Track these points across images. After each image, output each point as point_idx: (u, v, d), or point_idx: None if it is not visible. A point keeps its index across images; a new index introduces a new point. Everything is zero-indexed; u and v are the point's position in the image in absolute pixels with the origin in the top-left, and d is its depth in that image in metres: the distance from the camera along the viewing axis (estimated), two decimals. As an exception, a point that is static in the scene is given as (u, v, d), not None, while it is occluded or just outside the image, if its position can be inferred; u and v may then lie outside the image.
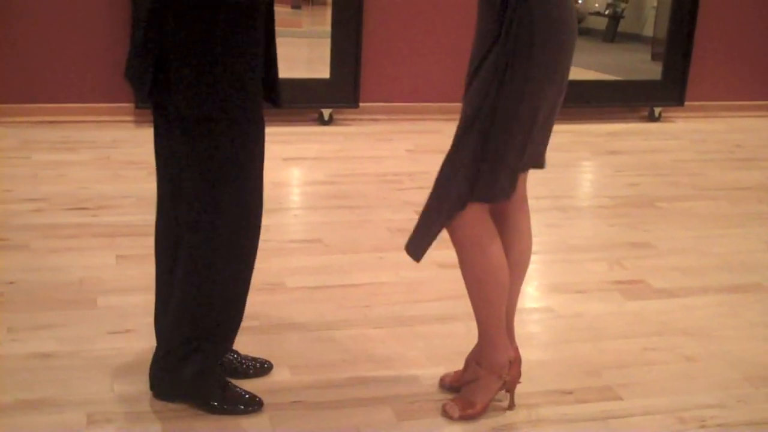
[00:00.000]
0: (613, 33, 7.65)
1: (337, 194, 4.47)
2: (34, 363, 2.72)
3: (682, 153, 5.63)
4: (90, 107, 5.54)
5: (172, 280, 2.47)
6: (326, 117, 5.78)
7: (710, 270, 3.71)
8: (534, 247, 2.62)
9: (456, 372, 2.67)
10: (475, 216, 2.37)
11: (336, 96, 5.77)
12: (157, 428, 2.44)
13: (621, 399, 2.69)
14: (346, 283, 3.40)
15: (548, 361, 2.90)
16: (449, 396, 2.61)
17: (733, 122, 6.47)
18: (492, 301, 2.46)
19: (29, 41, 5.39)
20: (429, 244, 2.44)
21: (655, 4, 6.98)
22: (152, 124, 2.41)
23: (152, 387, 2.54)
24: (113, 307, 3.10)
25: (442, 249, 2.54)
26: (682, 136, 6.05)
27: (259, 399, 2.53)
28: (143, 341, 2.81)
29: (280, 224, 4.00)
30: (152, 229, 2.54)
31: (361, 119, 5.88)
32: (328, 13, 5.81)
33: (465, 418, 2.52)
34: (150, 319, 2.62)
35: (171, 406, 2.51)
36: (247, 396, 2.53)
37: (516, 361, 2.54)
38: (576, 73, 2.40)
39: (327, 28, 5.77)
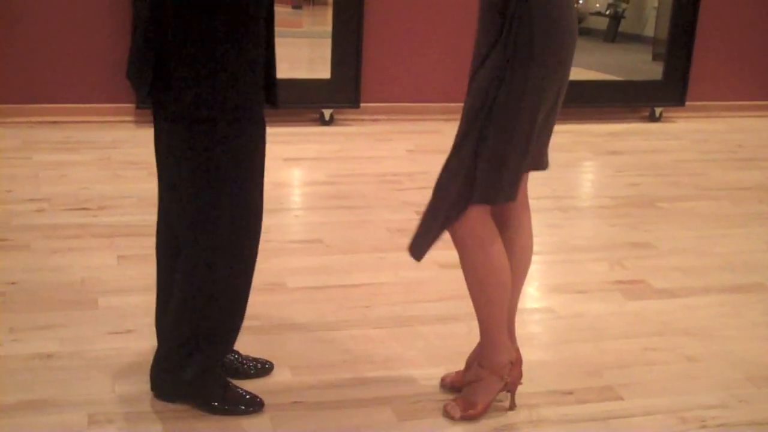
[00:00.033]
0: (614, 33, 7.65)
1: (338, 194, 4.47)
2: (35, 363, 2.72)
3: (683, 153, 5.62)
4: (91, 107, 5.54)
5: (172, 280, 2.47)
6: (327, 117, 5.78)
7: (711, 270, 3.71)
8: (535, 248, 2.62)
9: (457, 372, 2.67)
10: (477, 217, 2.37)
11: (337, 96, 5.77)
12: (158, 428, 2.44)
13: (622, 399, 2.69)
14: (346, 284, 3.40)
15: (549, 361, 2.90)
16: (450, 396, 2.61)
17: (734, 122, 6.47)
18: (494, 301, 2.46)
19: (30, 42, 5.40)
20: (431, 244, 2.44)
21: (656, 4, 6.98)
22: (153, 125, 2.41)
23: (153, 387, 2.54)
24: (114, 308, 3.10)
25: (443, 249, 2.54)
26: (683, 136, 6.05)
27: (260, 399, 2.53)
28: (144, 341, 2.81)
29: (280, 224, 4.00)
30: (153, 230, 2.54)
31: (361, 119, 5.88)
32: (329, 13, 5.81)
33: (466, 418, 2.51)
34: (151, 320, 2.62)
35: (172, 406, 2.51)
36: (247, 396, 2.53)
37: (517, 362, 2.54)
38: (577, 74, 2.40)
39: (328, 28, 5.77)
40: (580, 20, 6.24)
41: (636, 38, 7.47)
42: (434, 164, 2.41)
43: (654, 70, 6.48)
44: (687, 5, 6.17)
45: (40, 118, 5.46)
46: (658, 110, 6.38)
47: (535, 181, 2.59)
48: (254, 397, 2.53)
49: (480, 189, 2.32)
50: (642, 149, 5.64)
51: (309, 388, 2.66)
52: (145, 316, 2.91)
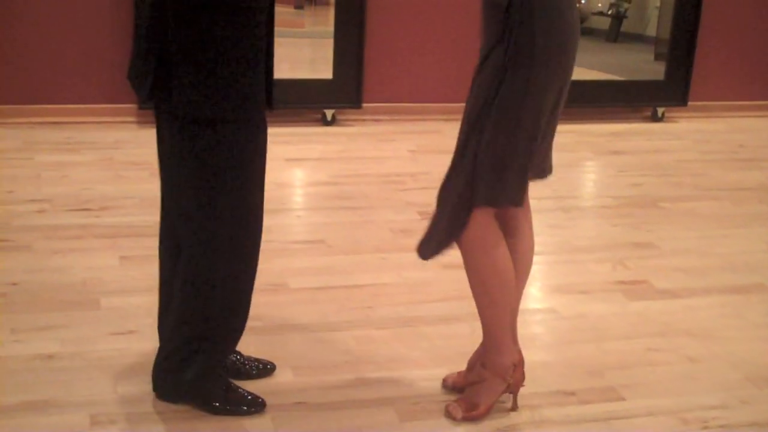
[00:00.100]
0: (616, 33, 7.64)
1: (340, 195, 4.47)
2: (36, 364, 2.72)
3: (685, 153, 5.62)
4: (92, 108, 5.53)
5: (174, 280, 2.47)
6: (329, 117, 5.78)
7: (713, 270, 3.70)
8: (537, 248, 2.62)
9: (459, 373, 2.67)
10: (481, 219, 2.37)
11: (339, 97, 5.76)
12: (160, 429, 2.44)
13: (624, 400, 2.69)
14: (349, 284, 3.40)
15: (551, 361, 2.90)
16: (452, 397, 2.61)
17: (736, 122, 6.46)
18: (497, 303, 2.46)
19: (31, 42, 5.39)
20: (439, 247, 2.43)
21: (658, 4, 6.96)
22: (154, 125, 2.41)
23: (155, 388, 2.54)
24: (116, 308, 3.10)
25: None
26: (685, 137, 6.04)
27: (262, 400, 2.53)
28: (146, 342, 2.81)
29: (282, 225, 4.00)
30: (155, 230, 2.54)
31: (363, 120, 5.87)
32: (331, 13, 5.80)
33: (468, 419, 2.52)
34: (152, 320, 2.62)
35: (174, 407, 2.51)
36: (249, 397, 2.53)
37: (520, 364, 2.54)
38: (579, 73, 2.40)
39: (330, 28, 5.77)
40: (583, 20, 6.24)
41: (638, 38, 7.45)
42: (436, 164, 2.41)
43: (656, 70, 6.47)
44: (689, 5, 6.16)
45: (41, 119, 5.46)
46: (660, 110, 6.37)
47: (536, 182, 2.58)
48: (256, 397, 2.54)
49: (482, 191, 2.31)
50: (644, 149, 5.64)
51: (311, 389, 2.66)
52: (147, 316, 2.91)
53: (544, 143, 2.40)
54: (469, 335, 2.85)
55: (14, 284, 3.25)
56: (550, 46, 2.24)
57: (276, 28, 2.44)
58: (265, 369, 2.71)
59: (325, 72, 5.75)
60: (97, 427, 2.43)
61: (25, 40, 5.38)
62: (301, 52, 6.80)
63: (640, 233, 4.10)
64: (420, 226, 3.91)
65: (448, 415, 2.54)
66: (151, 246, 3.37)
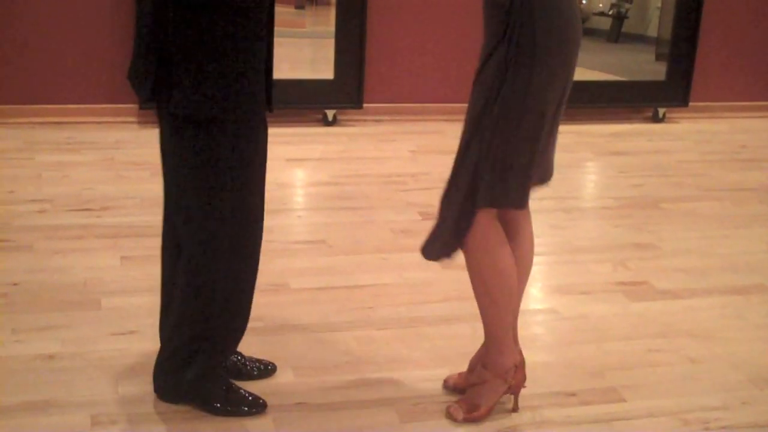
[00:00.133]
0: (617, 33, 7.63)
1: (341, 195, 4.47)
2: (37, 364, 2.72)
3: (686, 154, 5.62)
4: (93, 108, 5.53)
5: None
6: (330, 118, 5.78)
7: (714, 271, 3.70)
8: (538, 249, 2.62)
9: (460, 374, 2.67)
10: (484, 221, 2.36)
11: (340, 97, 5.76)
12: (161, 430, 2.44)
13: (625, 401, 2.69)
14: (350, 285, 3.40)
15: (552, 362, 2.90)
16: (453, 398, 2.61)
17: (738, 123, 6.46)
18: (499, 304, 2.46)
19: (32, 42, 5.39)
20: (444, 247, 2.43)
21: (660, 4, 6.96)
22: (156, 125, 2.41)
23: (156, 389, 2.54)
24: (117, 309, 3.10)
25: (446, 250, 2.53)
26: (687, 137, 6.04)
27: (263, 400, 2.53)
28: (147, 342, 2.81)
29: (283, 225, 4.00)
30: (156, 230, 2.54)
31: (364, 120, 5.87)
32: (332, 13, 5.80)
33: (469, 420, 2.51)
34: (153, 320, 2.62)
35: (175, 407, 2.51)
36: (250, 398, 2.53)
37: (521, 365, 2.54)
38: (580, 74, 2.39)
39: (331, 28, 5.77)
40: (584, 20, 6.22)
41: (639, 38, 7.45)
42: (437, 165, 2.42)
43: (657, 71, 6.46)
44: (690, 5, 6.16)
45: (42, 119, 5.46)
46: (661, 111, 6.37)
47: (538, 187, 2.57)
48: (257, 398, 2.54)
49: (485, 193, 2.31)
50: (645, 150, 5.64)
51: (312, 390, 2.66)
52: (148, 316, 2.91)
53: (546, 147, 2.40)
54: (470, 336, 2.85)
55: (15, 284, 3.25)
56: (551, 46, 2.24)
57: (277, 28, 2.43)
58: (266, 369, 2.71)
59: (326, 72, 5.75)
60: (98, 428, 2.43)
61: (25, 40, 5.38)
62: (302, 52, 6.80)
63: (641, 234, 4.10)
64: (421, 227, 3.93)
65: (449, 416, 2.54)
66: (152, 246, 3.37)
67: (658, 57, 6.74)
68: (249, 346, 2.72)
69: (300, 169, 4.97)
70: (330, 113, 5.78)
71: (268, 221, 2.47)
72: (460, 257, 2.46)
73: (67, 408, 2.50)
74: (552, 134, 2.40)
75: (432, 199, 4.00)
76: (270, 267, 3.35)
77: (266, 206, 2.46)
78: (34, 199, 4.15)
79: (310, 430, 2.48)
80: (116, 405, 2.53)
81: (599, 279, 3.57)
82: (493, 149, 2.28)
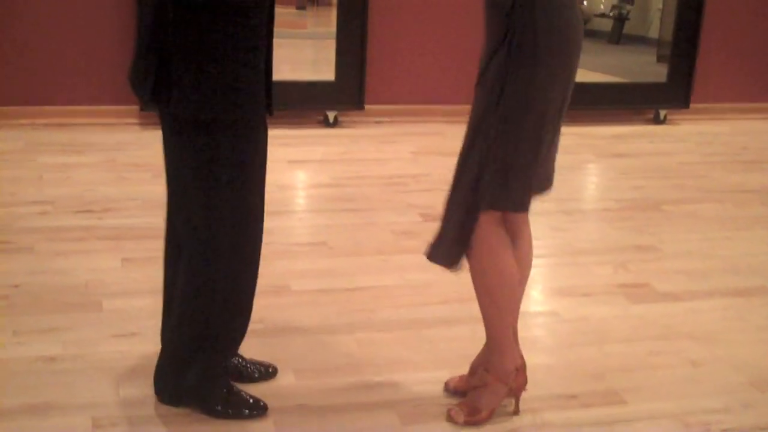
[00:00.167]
0: (618, 35, 7.64)
1: (342, 197, 4.47)
2: (38, 366, 2.72)
3: (688, 155, 5.62)
4: (95, 110, 5.54)
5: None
6: (331, 119, 5.78)
7: (716, 273, 3.70)
8: (539, 251, 2.62)
9: (461, 376, 2.67)
10: (487, 223, 2.36)
11: (341, 98, 5.77)
12: (161, 432, 2.44)
13: (626, 403, 2.69)
14: (351, 286, 3.40)
15: (553, 365, 2.90)
16: (454, 401, 2.61)
17: (739, 124, 6.46)
18: (502, 307, 2.46)
19: (34, 44, 5.40)
20: (449, 251, 2.42)
21: (661, 6, 6.96)
22: (158, 127, 2.41)
23: (157, 391, 2.54)
24: (118, 311, 3.10)
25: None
26: (688, 139, 6.04)
27: (264, 403, 2.53)
28: (148, 345, 2.80)
29: (284, 227, 4.00)
30: (157, 232, 2.54)
31: (365, 121, 5.88)
32: (333, 14, 5.80)
33: (470, 423, 2.51)
34: (154, 322, 2.62)
35: (175, 410, 2.51)
36: (251, 400, 2.53)
37: (522, 368, 2.54)
38: (581, 75, 2.39)
39: (332, 29, 5.77)
40: (585, 22, 6.22)
41: (640, 40, 7.45)
42: (438, 166, 2.42)
43: (658, 72, 6.47)
44: (691, 7, 6.16)
45: (44, 120, 5.46)
46: (662, 112, 6.37)
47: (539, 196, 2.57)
48: (258, 400, 2.53)
49: (488, 195, 2.31)
50: (646, 152, 5.64)
51: (313, 392, 2.66)
52: (150, 319, 2.91)
53: (548, 152, 2.40)
54: (471, 338, 2.84)
55: (16, 286, 3.25)
56: (553, 47, 2.24)
57: (278, 29, 2.43)
58: (266, 372, 2.71)
59: (328, 73, 5.75)
60: (99, 430, 2.42)
61: (27, 41, 5.38)
62: (303, 54, 6.81)
63: (642, 236, 4.10)
64: (422, 228, 3.94)
65: (450, 419, 2.54)
66: (153, 248, 3.37)
67: (659, 59, 6.74)
68: (250, 348, 2.72)
69: (301, 171, 4.97)
70: (331, 115, 5.78)
71: (268, 223, 2.47)
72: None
73: (68, 410, 2.50)
74: (553, 140, 2.40)
75: (433, 200, 4.00)
76: (271, 269, 3.35)
77: (267, 208, 2.46)
78: (35, 201, 4.15)
79: (311, 433, 2.48)
80: (117, 407, 2.53)
81: (600, 281, 3.57)
82: (495, 150, 2.28)
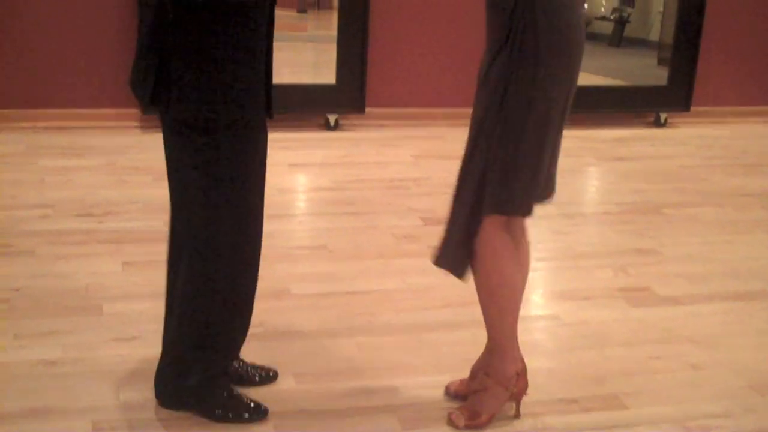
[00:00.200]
0: (619, 38, 7.65)
1: (343, 200, 4.47)
2: (39, 370, 2.72)
3: (688, 159, 5.62)
4: (96, 113, 5.55)
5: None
6: (332, 123, 5.78)
7: (716, 277, 3.70)
8: (540, 254, 2.62)
9: (461, 380, 2.67)
10: (491, 227, 2.36)
11: (342, 102, 5.77)
12: (162, 436, 2.44)
13: (626, 407, 2.68)
14: (351, 290, 3.40)
15: (554, 369, 2.90)
16: (455, 405, 2.61)
17: (739, 128, 6.46)
18: (505, 312, 2.46)
19: (35, 46, 5.40)
20: (455, 256, 2.42)
21: (662, 8, 6.97)
22: (159, 130, 2.41)
23: (157, 395, 2.54)
24: (119, 314, 3.10)
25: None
26: (688, 142, 6.04)
27: (264, 407, 2.53)
28: (148, 348, 2.80)
29: (285, 230, 4.00)
30: (158, 236, 2.55)
31: (366, 125, 5.88)
32: (334, 17, 5.81)
33: (471, 428, 2.51)
34: (155, 326, 2.62)
35: (176, 414, 2.51)
36: (252, 404, 2.53)
37: (523, 373, 2.54)
38: (581, 78, 2.39)
39: (333, 32, 5.77)
40: (586, 24, 6.22)
41: (641, 43, 7.46)
42: (440, 170, 2.41)
43: (659, 75, 6.47)
44: (692, 10, 6.17)
45: (45, 123, 5.47)
46: (663, 116, 6.38)
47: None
48: (258, 404, 2.53)
49: (492, 199, 2.31)
50: (647, 155, 5.64)
51: (313, 396, 2.66)
52: (150, 322, 2.91)
53: (551, 159, 2.40)
54: (472, 342, 2.84)
55: (17, 290, 3.25)
56: (555, 49, 2.24)
57: (279, 32, 2.43)
58: (267, 376, 2.71)
59: (329, 77, 5.75)
60: (100, 434, 2.43)
61: (28, 44, 5.39)
62: (304, 57, 6.82)
63: (642, 239, 4.10)
64: (423, 232, 3.94)
65: (451, 423, 2.53)
66: (154, 252, 3.38)
67: (660, 62, 6.75)
68: (250, 351, 2.72)
69: (302, 174, 4.97)
70: (332, 118, 5.78)
71: (269, 226, 2.47)
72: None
73: (69, 414, 2.50)
74: (555, 145, 2.40)
75: (434, 204, 4.01)
76: (271, 272, 3.36)
77: (267, 211, 2.46)
78: (36, 204, 4.15)
79: (312, 437, 2.48)
80: (117, 411, 2.53)
81: (601, 285, 3.57)
82: (496, 153, 2.28)
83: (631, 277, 3.64)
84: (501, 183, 2.30)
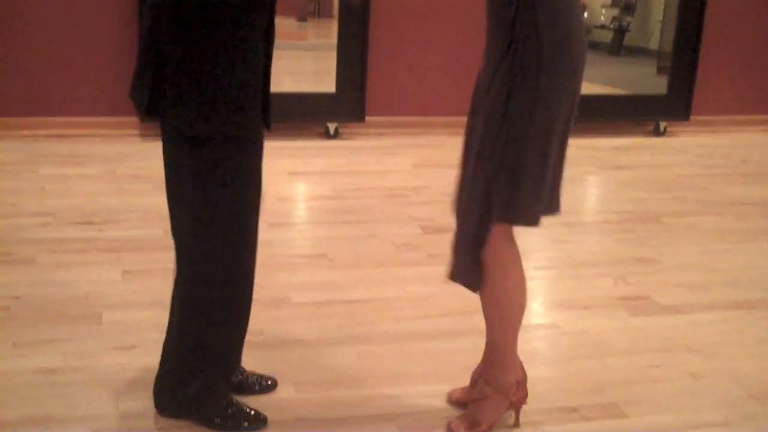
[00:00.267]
0: (618, 46, 7.65)
1: (343, 209, 4.47)
2: (38, 378, 2.72)
3: (688, 168, 5.62)
4: (96, 121, 5.55)
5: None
6: (332, 131, 5.79)
7: (716, 286, 3.70)
8: (540, 263, 2.62)
9: (463, 388, 2.67)
10: (498, 237, 2.36)
11: (341, 110, 5.78)
12: (161, 445, 2.44)
13: (626, 416, 2.68)
14: (351, 299, 3.40)
15: (553, 377, 2.90)
16: (455, 413, 2.61)
17: (739, 137, 6.47)
18: (508, 321, 2.46)
19: (36, 55, 5.41)
20: (466, 268, 2.42)
21: (661, 17, 6.98)
22: (158, 138, 2.41)
23: (157, 404, 2.54)
24: (118, 323, 3.10)
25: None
26: (688, 151, 6.05)
27: (264, 416, 2.53)
28: (148, 357, 2.80)
29: (285, 239, 4.00)
30: (157, 244, 2.55)
31: (366, 133, 5.88)
32: (334, 26, 5.82)
33: (470, 436, 2.51)
34: (155, 335, 2.62)
35: (175, 422, 2.51)
36: (251, 413, 2.53)
37: (523, 381, 2.53)
38: (582, 87, 2.39)
39: (333, 41, 5.78)
40: (586, 33, 6.23)
41: (641, 51, 7.47)
42: (439, 178, 2.42)
43: (658, 84, 6.48)
44: (692, 19, 6.18)
45: (45, 131, 5.47)
46: (662, 124, 6.38)
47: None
48: (258, 413, 2.53)
49: (497, 209, 2.31)
50: (646, 164, 5.64)
51: (313, 405, 2.66)
52: (150, 331, 2.91)
53: (556, 176, 2.40)
54: (472, 350, 2.84)
55: (17, 298, 3.25)
56: (556, 58, 2.23)
57: (278, 41, 2.42)
58: (266, 384, 2.71)
59: (328, 85, 5.76)
60: (99, 443, 2.43)
61: (29, 52, 5.40)
62: (304, 65, 6.82)
63: (642, 248, 4.10)
64: (422, 241, 3.94)
65: (450, 431, 2.53)
66: (153, 260, 3.38)
67: (660, 70, 6.76)
68: (249, 360, 2.72)
69: (301, 183, 4.97)
70: (332, 126, 5.79)
71: (269, 235, 2.47)
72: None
73: (68, 423, 2.50)
74: (560, 158, 2.40)
75: (433, 212, 4.01)
76: (271, 281, 3.36)
77: (267, 219, 2.47)
78: (36, 212, 4.16)
79: (311, 446, 2.48)
80: (117, 420, 2.53)
81: (600, 293, 3.57)
82: (500, 163, 2.28)
83: (630, 286, 3.64)
84: (507, 192, 2.30)
